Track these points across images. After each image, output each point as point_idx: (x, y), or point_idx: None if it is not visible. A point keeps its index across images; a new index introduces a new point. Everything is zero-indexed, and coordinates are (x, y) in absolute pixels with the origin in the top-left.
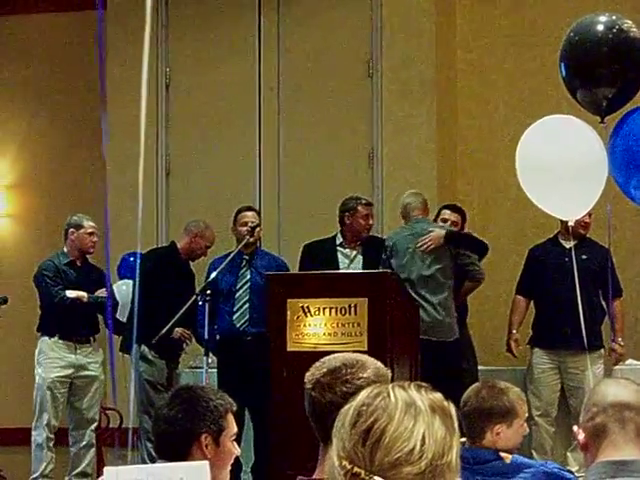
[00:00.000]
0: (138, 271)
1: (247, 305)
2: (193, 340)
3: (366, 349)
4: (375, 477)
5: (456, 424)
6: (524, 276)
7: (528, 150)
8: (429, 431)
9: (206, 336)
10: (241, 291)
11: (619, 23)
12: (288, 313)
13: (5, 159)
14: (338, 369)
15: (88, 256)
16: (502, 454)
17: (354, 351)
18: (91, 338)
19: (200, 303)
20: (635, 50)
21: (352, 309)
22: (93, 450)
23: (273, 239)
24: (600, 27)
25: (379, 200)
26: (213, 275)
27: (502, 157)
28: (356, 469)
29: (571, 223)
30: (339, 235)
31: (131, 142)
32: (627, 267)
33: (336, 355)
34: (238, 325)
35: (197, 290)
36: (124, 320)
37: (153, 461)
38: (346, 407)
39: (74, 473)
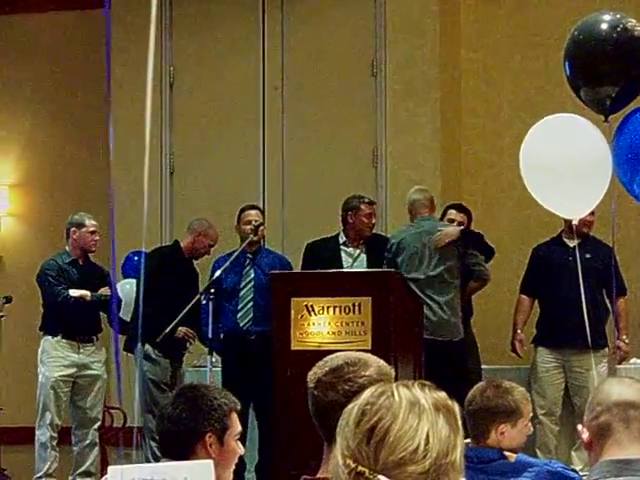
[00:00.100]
0: (142, 270)
1: (251, 304)
2: (197, 339)
3: (370, 348)
4: (379, 476)
5: (460, 423)
6: (528, 275)
7: (532, 149)
8: (433, 430)
9: (210, 335)
10: (245, 290)
11: (623, 22)
12: (292, 312)
13: (9, 158)
14: (340, 368)
15: (90, 255)
16: (506, 453)
17: (358, 350)
18: (94, 337)
19: (204, 302)
20: (639, 49)
21: (356, 308)
22: (97, 449)
23: (277, 238)
24: (604, 26)
25: (383, 199)
26: (217, 274)
27: (506, 156)
28: (360, 468)
29: (575, 222)
30: (342, 234)
31: (135, 141)
32: (631, 265)
33: (338, 354)
34: (242, 324)
35: (201, 289)
36: (128, 319)
37: (157, 460)
38: (350, 406)
39: (78, 472)
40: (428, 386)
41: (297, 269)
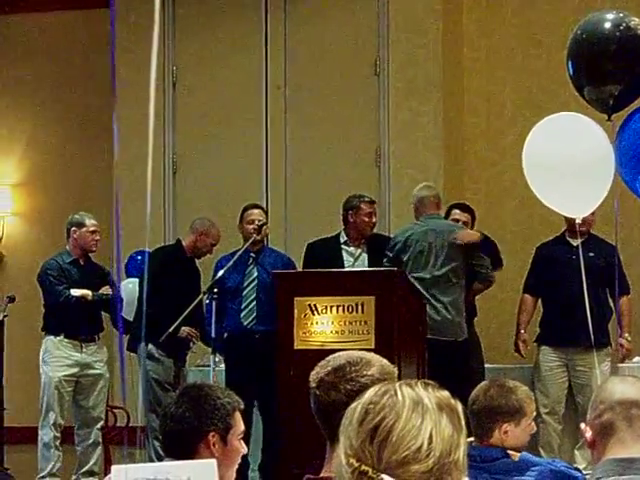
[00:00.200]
0: (145, 270)
1: (254, 303)
2: (200, 339)
3: (373, 347)
4: (382, 475)
5: (463, 422)
6: (531, 274)
7: (535, 148)
8: (436, 429)
9: (213, 334)
10: (248, 289)
11: (626, 21)
12: (295, 311)
13: (11, 158)
14: (342, 367)
15: (92, 254)
16: (510, 452)
17: (361, 349)
18: (96, 336)
19: (207, 302)
20: None
21: (359, 307)
22: (100, 448)
23: (280, 237)
24: (607, 25)
25: (385, 198)
26: (220, 273)
27: (509, 155)
28: (364, 467)
29: (578, 221)
30: (343, 233)
31: (138, 141)
32: (633, 264)
33: (341, 353)
34: (246, 323)
35: (204, 288)
36: (131, 319)
37: (160, 460)
38: (353, 405)
39: (81, 472)
40: (431, 385)
41: (300, 269)
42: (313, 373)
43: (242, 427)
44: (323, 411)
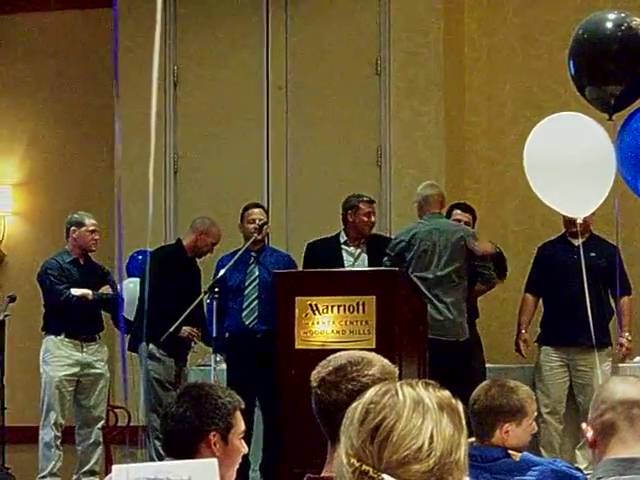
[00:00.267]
0: (145, 269)
1: (256, 302)
2: (201, 339)
3: (374, 347)
4: (383, 475)
5: (464, 422)
6: (533, 274)
7: (536, 148)
8: (437, 429)
9: (214, 334)
10: (250, 288)
11: (628, 20)
12: (296, 311)
13: (12, 158)
14: (343, 367)
15: (93, 254)
16: (511, 452)
17: (362, 349)
18: (97, 336)
19: (208, 301)
20: None
21: (360, 307)
22: (100, 448)
23: (281, 237)
24: (609, 24)
25: (386, 197)
26: (221, 273)
27: (510, 155)
28: (364, 467)
29: (580, 220)
30: (343, 233)
31: (138, 140)
32: (635, 264)
33: (342, 353)
34: (247, 322)
35: (205, 288)
36: (131, 318)
37: (161, 459)
38: (354, 405)
39: (82, 471)
40: (432, 385)
41: (300, 268)
42: (314, 373)
43: (243, 426)
44: (324, 411)
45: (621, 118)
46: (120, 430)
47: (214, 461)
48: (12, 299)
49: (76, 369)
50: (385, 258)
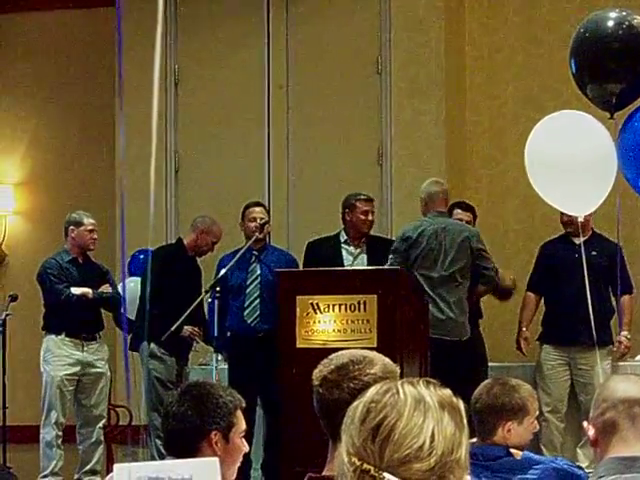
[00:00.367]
0: (146, 269)
1: (258, 301)
2: (203, 338)
3: (375, 346)
4: (384, 474)
5: (465, 420)
6: (535, 273)
7: (537, 146)
8: (438, 427)
9: (215, 333)
10: (251, 287)
11: (629, 19)
12: (297, 310)
13: (14, 157)
14: (345, 366)
15: (92, 253)
16: (512, 451)
17: (363, 348)
18: (97, 335)
19: (209, 300)
20: None
21: (361, 306)
22: (102, 447)
23: (282, 236)
24: (610, 23)
25: (388, 197)
26: (222, 272)
27: (511, 153)
28: (365, 466)
29: (581, 219)
30: (343, 233)
31: (139, 140)
32: (636, 263)
33: (343, 352)
34: (249, 321)
35: (206, 287)
36: (133, 317)
37: (162, 458)
38: (355, 403)
39: (84, 470)
40: (433, 384)
41: (301, 267)
42: (316, 371)
43: (244, 425)
44: (326, 409)
45: (622, 116)
46: (121, 429)
47: (215, 460)
48: (13, 298)
49: (77, 368)
50: (392, 255)
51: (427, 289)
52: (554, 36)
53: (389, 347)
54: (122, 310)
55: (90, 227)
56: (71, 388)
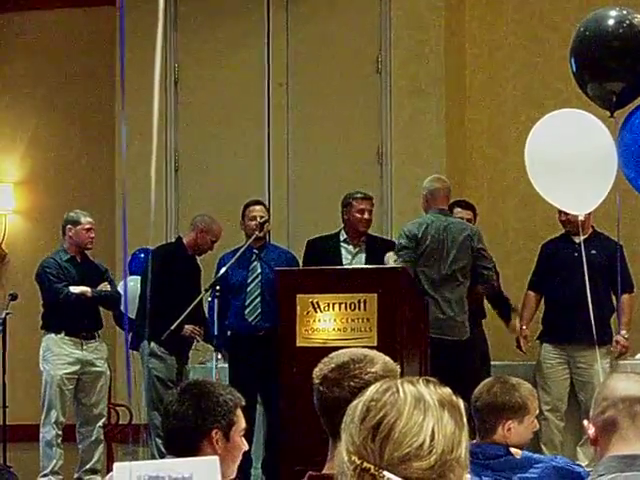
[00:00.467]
0: (146, 268)
1: (259, 299)
2: (203, 337)
3: (375, 345)
4: (384, 472)
5: (465, 419)
6: (536, 272)
7: (537, 145)
8: (438, 426)
9: (216, 332)
10: (252, 285)
11: (629, 18)
12: (297, 308)
13: (14, 156)
14: (346, 364)
15: (89, 252)
16: (512, 449)
17: (363, 347)
18: (96, 333)
19: (209, 299)
20: None
21: (362, 304)
22: (102, 446)
23: (282, 234)
24: (610, 22)
25: (388, 195)
26: (222, 270)
27: (511, 152)
28: (365, 464)
29: (581, 218)
30: (343, 231)
31: (140, 138)
32: (636, 262)
33: (344, 350)
34: (250, 319)
35: (206, 286)
36: (133, 316)
37: (162, 457)
38: (355, 402)
39: (84, 469)
40: (433, 382)
41: (301, 265)
42: (316, 370)
43: (244, 424)
44: (326, 408)
45: (622, 115)
46: (122, 428)
47: (215, 458)
48: (13, 297)
49: (76, 367)
50: (402, 252)
51: (428, 288)
52: (554, 35)
53: (389, 346)
54: (122, 309)
55: (88, 226)
56: (71, 387)
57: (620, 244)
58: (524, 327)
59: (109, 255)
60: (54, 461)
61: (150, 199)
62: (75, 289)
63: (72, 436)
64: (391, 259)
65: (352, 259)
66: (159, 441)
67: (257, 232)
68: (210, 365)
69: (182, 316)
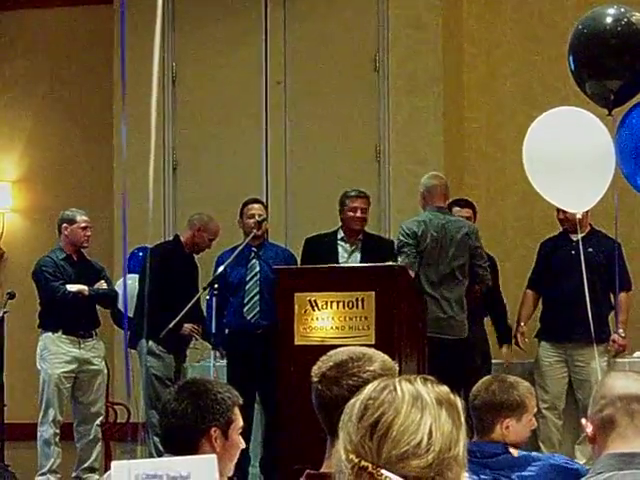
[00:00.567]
0: (144, 266)
1: (257, 297)
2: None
3: (373, 343)
4: (382, 470)
5: (463, 417)
6: (535, 270)
7: (535, 143)
8: (436, 424)
9: (213, 330)
10: (251, 283)
11: (627, 16)
12: (295, 307)
13: (12, 154)
14: (344, 362)
15: (85, 250)
16: (510, 448)
17: (361, 345)
18: (93, 332)
19: (207, 297)
20: None
21: (359, 303)
22: (99, 444)
23: (280, 233)
24: (608, 20)
25: (386, 194)
26: (220, 269)
27: (509, 150)
28: (363, 463)
29: (579, 216)
30: (340, 230)
31: (138, 137)
32: (634, 260)
33: (342, 349)
34: (249, 317)
35: (204, 284)
36: (131, 315)
37: (160, 456)
38: (352, 401)
39: (82, 468)
40: (430, 380)
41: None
42: (315, 368)
43: (241, 422)
44: (324, 406)
45: (620, 113)
46: (120, 427)
47: (213, 457)
48: (11, 296)
49: (74, 366)
50: (405, 250)
51: (428, 287)
52: (552, 33)
53: (387, 344)
54: (120, 307)
55: (83, 224)
56: (68, 385)
57: (618, 242)
58: (522, 324)
59: (107, 253)
60: (52, 460)
61: (148, 197)
62: (72, 287)
63: (70, 435)
64: None
65: (348, 257)
66: (156, 440)
67: (255, 230)
68: (208, 363)
69: (180, 314)
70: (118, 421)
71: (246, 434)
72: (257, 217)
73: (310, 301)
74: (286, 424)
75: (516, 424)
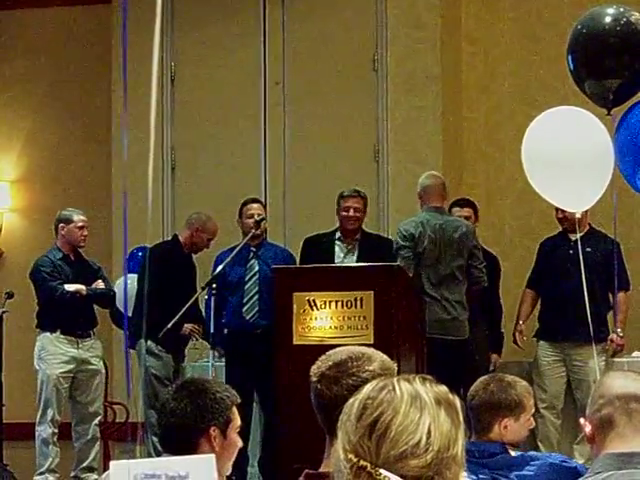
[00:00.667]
0: (143, 266)
1: (256, 297)
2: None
3: (372, 342)
4: (381, 470)
5: (461, 417)
6: (534, 269)
7: (534, 142)
8: (435, 424)
9: (212, 330)
10: (250, 282)
11: (627, 15)
12: (294, 306)
13: (10, 154)
14: (344, 362)
15: (82, 250)
16: (508, 447)
17: (360, 344)
18: (91, 332)
19: (206, 297)
20: None
21: (358, 302)
22: (98, 444)
23: (279, 232)
24: (608, 19)
25: (385, 193)
26: (219, 268)
27: (508, 150)
28: (362, 462)
29: (578, 215)
30: (338, 230)
31: (136, 136)
32: (633, 259)
33: (342, 348)
34: (248, 317)
35: (202, 284)
36: (130, 315)
37: (159, 455)
38: (351, 400)
39: (80, 467)
40: (429, 380)
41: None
42: (314, 367)
43: (239, 421)
44: (324, 405)
45: (619, 112)
46: (118, 426)
47: (212, 457)
48: (10, 295)
49: (72, 365)
50: (402, 252)
51: (429, 289)
52: (551, 32)
53: (385, 344)
54: (119, 307)
55: (80, 224)
56: (66, 385)
57: (617, 242)
58: (521, 322)
59: (106, 253)
60: (50, 459)
61: (147, 197)
62: (70, 287)
63: (68, 434)
64: None
65: (344, 257)
66: (155, 439)
67: (254, 230)
68: (207, 363)
69: (179, 314)
70: (117, 421)
71: (244, 433)
72: (256, 217)
73: (309, 301)
74: (285, 424)
75: (514, 424)
